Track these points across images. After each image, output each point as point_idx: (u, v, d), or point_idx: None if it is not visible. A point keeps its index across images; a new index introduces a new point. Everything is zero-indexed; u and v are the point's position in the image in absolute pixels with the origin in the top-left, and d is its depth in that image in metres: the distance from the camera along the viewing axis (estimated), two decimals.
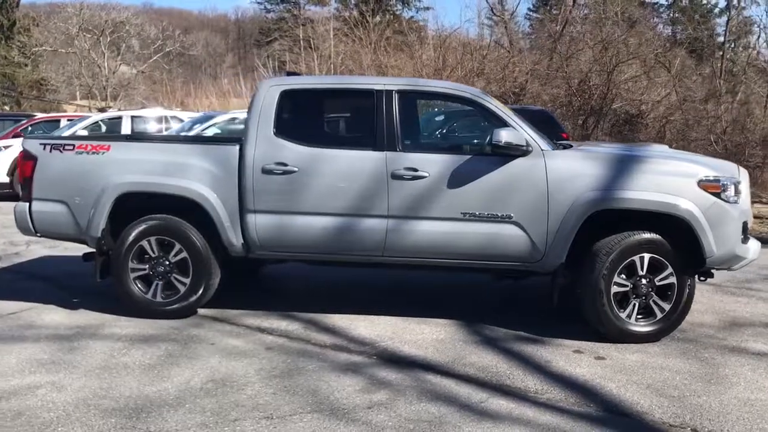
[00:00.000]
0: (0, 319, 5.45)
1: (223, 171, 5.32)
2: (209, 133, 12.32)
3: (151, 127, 14.80)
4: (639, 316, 5.04)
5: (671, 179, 4.97)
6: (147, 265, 5.47)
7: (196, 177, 5.33)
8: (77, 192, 5.46)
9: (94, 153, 5.46)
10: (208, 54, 66.59)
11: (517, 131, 5.02)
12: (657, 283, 5.01)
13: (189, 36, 58.74)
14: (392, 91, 5.28)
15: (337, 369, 4.45)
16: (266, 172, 5.25)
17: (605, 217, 5.00)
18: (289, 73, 6.13)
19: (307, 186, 5.23)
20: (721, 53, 30.69)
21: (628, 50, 21.71)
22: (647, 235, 4.96)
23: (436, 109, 8.37)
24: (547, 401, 4.00)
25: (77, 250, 7.65)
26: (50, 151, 5.52)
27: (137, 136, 7.92)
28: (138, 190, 5.40)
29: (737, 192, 5.02)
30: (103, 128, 14.30)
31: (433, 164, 5.13)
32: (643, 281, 5.00)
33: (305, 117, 5.55)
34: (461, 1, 79.22)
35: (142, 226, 5.42)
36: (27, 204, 5.58)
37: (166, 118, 15.11)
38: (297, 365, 4.51)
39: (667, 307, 5.03)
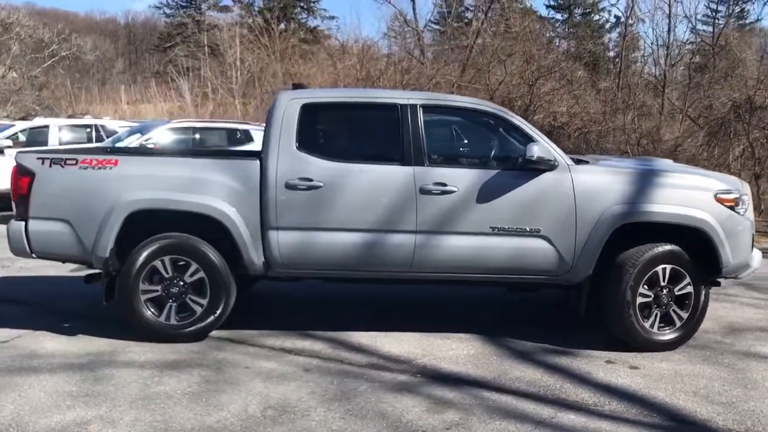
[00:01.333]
0: None
1: (243, 186, 5.12)
2: (150, 144, 11.84)
3: (81, 137, 14.06)
4: (660, 325, 5.22)
5: (691, 193, 5.18)
6: (159, 287, 5.17)
7: (216, 193, 5.09)
8: (81, 210, 5.10)
9: (100, 168, 5.12)
10: (97, 58, 63.63)
11: (546, 146, 5.10)
12: (676, 293, 5.21)
13: (75, 39, 55.92)
14: (416, 105, 5.25)
15: (391, 389, 4.35)
16: (290, 187, 5.09)
17: (627, 230, 5.15)
18: (295, 85, 5.95)
19: (334, 201, 5.11)
20: (618, 68, 32.34)
21: (548, 64, 22.54)
22: (668, 247, 5.15)
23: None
24: (611, 413, 4.07)
25: (42, 270, 7.25)
26: (50, 166, 5.14)
27: (145, 150, 7.49)
28: (153, 208, 5.11)
29: (746, 204, 5.30)
30: (22, 138, 13.43)
31: (461, 179, 5.13)
32: (664, 291, 5.18)
33: (328, 131, 5.43)
34: (369, 11, 79.91)
35: (155, 246, 5.13)
36: (22, 223, 5.16)
37: (96, 127, 14.37)
38: (347, 387, 4.38)
39: (685, 315, 5.24)
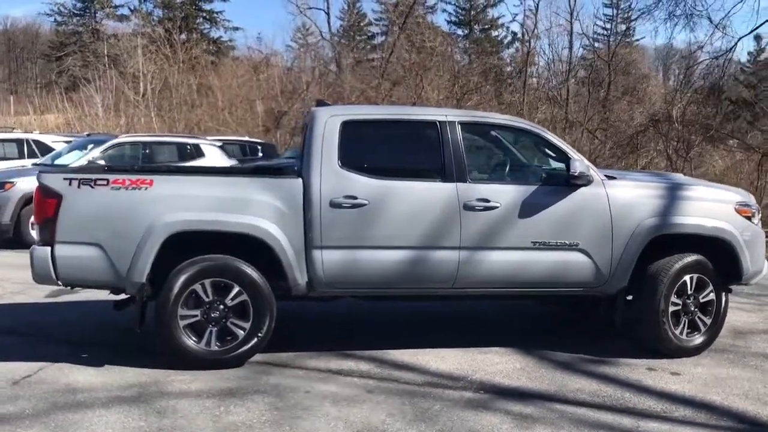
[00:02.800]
0: (19, 386, 4.63)
1: (286, 205, 4.99)
2: (100, 161, 11.28)
3: (11, 153, 13.26)
4: (688, 332, 5.46)
5: (715, 205, 5.48)
6: (199, 311, 4.95)
7: (259, 213, 4.94)
8: (114, 233, 4.83)
9: (134, 188, 4.86)
10: None
11: (583, 162, 5.26)
12: (701, 300, 5.47)
13: None
14: (455, 122, 5.29)
15: (466, 407, 4.35)
16: (335, 205, 5.01)
17: (655, 242, 5.37)
18: (319, 102, 5.86)
19: (379, 219, 5.06)
20: (522, 81, 33.57)
21: (474, 80, 23.17)
22: (695, 257, 5.41)
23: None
24: (684, 419, 4.23)
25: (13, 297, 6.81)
26: (78, 187, 4.83)
27: (180, 169, 7.09)
28: (195, 229, 4.90)
29: (759, 215, 5.65)
30: None
31: (503, 195, 5.20)
32: (691, 299, 5.43)
33: (369, 148, 5.37)
34: (275, 23, 79.04)
35: (195, 269, 4.91)
36: (48, 249, 4.83)
37: (28, 142, 13.57)
38: (421, 407, 4.34)
39: (708, 321, 5.51)
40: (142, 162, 11.84)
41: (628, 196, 5.36)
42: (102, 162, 11.08)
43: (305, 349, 5.45)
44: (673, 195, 5.45)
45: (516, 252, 5.23)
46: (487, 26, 51.28)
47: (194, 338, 4.94)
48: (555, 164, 5.44)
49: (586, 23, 41.06)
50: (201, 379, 4.78)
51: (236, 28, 49.98)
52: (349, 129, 5.18)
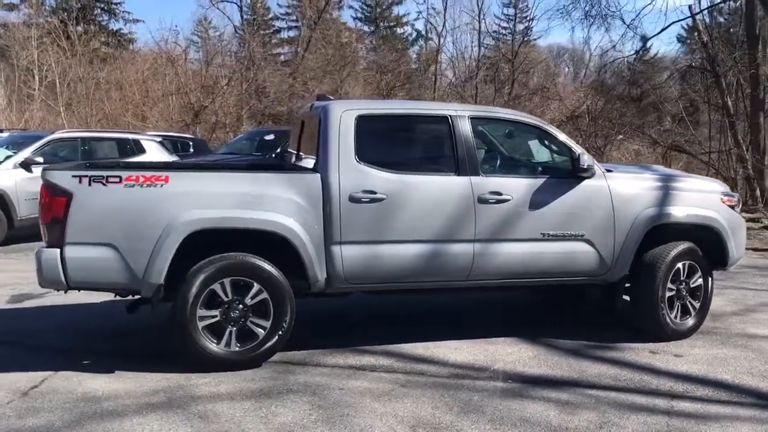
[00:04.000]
0: (31, 397, 4.34)
1: (306, 201, 4.91)
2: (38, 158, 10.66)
3: None
4: (680, 316, 5.76)
5: (705, 196, 5.81)
6: (218, 311, 4.80)
7: (280, 209, 4.84)
8: (129, 233, 4.61)
9: (149, 185, 4.65)
10: None
11: (588, 155, 5.43)
12: (691, 286, 5.78)
13: None
14: (466, 116, 5.36)
15: (506, 397, 4.42)
16: (354, 200, 4.97)
17: (651, 231, 5.63)
18: (320, 97, 5.78)
19: (397, 214, 5.07)
20: (434, 79, 34.21)
21: (399, 76, 23.36)
22: (688, 245, 5.71)
23: None
24: (707, 398, 4.48)
25: None
26: (89, 184, 4.58)
27: (195, 165, 6.70)
28: (216, 227, 4.74)
29: (740, 204, 6.02)
30: None
31: (514, 187, 5.31)
32: (683, 285, 5.73)
33: (383, 143, 5.35)
34: (176, 16, 76.51)
35: (214, 268, 4.75)
36: (57, 251, 4.55)
37: None
38: (461, 399, 4.38)
39: (697, 305, 5.83)
40: (82, 159, 11.30)
41: (628, 188, 5.59)
42: (40, 159, 10.49)
43: (316, 346, 5.38)
44: (667, 186, 5.73)
45: (527, 243, 5.36)
46: (392, 24, 51.71)
47: (214, 340, 4.79)
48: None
49: (490, 22, 42.15)
50: (225, 381, 4.64)
51: (136, 20, 48.08)
52: (364, 123, 5.15)
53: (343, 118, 5.10)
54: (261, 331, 4.87)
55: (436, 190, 5.18)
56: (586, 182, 5.45)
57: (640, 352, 5.41)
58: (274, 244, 4.88)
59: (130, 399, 4.31)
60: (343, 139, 5.05)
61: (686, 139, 22.38)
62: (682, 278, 5.71)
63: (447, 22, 32.76)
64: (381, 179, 5.05)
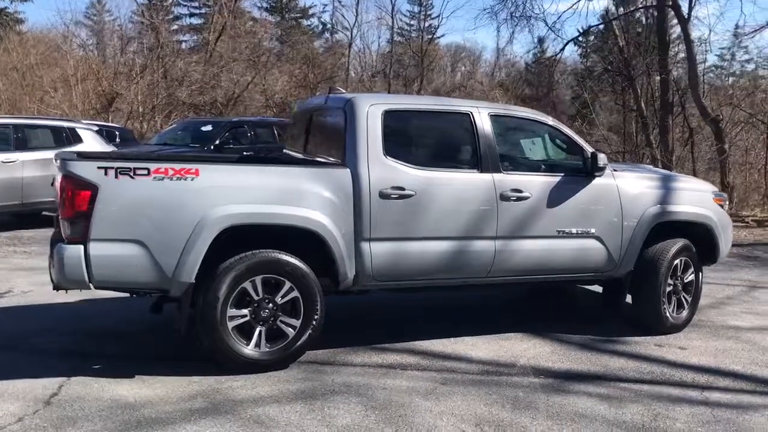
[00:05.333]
0: (56, 406, 4.01)
1: (338, 197, 4.78)
2: None
3: None
4: (676, 309, 6.00)
5: (700, 194, 6.08)
6: (247, 311, 4.61)
7: (313, 205, 4.69)
8: (158, 228, 4.34)
9: (179, 178, 4.40)
10: None
11: (603, 154, 5.57)
12: (684, 281, 6.04)
13: None
14: (486, 113, 5.37)
15: (548, 392, 4.47)
16: (384, 196, 4.89)
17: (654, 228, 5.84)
18: (331, 89, 5.62)
19: (425, 210, 5.02)
20: (346, 72, 34.29)
21: (325, 70, 23.15)
22: (684, 242, 5.96)
23: None
24: (731, 389, 4.69)
25: None
26: (116, 177, 4.27)
27: (225, 158, 6.23)
28: (250, 222, 4.54)
29: (727, 203, 6.34)
30: None
31: (533, 185, 5.38)
32: (679, 280, 5.98)
33: (408, 138, 5.27)
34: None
35: (245, 265, 4.55)
36: (80, 247, 4.22)
37: None
38: (506, 395, 4.39)
39: (689, 299, 6.10)
40: (15, 147, 10.58)
41: (634, 187, 5.77)
42: None
43: (333, 345, 5.25)
44: (667, 186, 5.96)
45: (543, 240, 5.43)
46: (299, 15, 51.21)
47: (243, 340, 4.59)
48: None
49: (400, 19, 42.56)
50: (260, 383, 4.46)
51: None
52: (390, 118, 5.06)
53: (371, 112, 5.00)
54: (291, 331, 4.71)
55: (461, 187, 5.16)
56: (596, 180, 5.58)
57: (647, 345, 5.60)
58: (303, 241, 4.73)
59: (169, 405, 4.06)
60: (372, 133, 4.95)
61: (595, 139, 23.43)
62: (678, 274, 5.95)
63: (351, 17, 32.75)
64: (409, 175, 4.98)
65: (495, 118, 5.43)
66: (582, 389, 4.56)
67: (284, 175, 4.74)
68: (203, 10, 43.85)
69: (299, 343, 4.74)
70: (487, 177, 5.22)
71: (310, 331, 4.75)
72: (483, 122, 5.31)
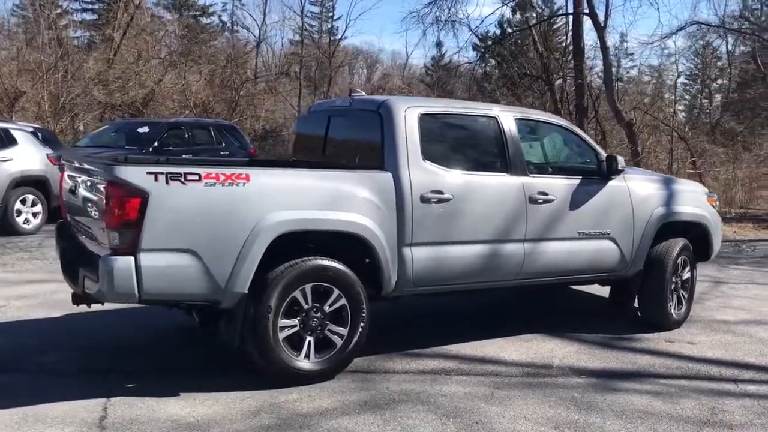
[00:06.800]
0: (114, 429, 3.74)
1: (383, 202, 4.69)
2: None
3: None
4: (677, 306, 6.25)
5: (697, 196, 6.36)
6: (297, 320, 4.44)
7: (361, 210, 4.58)
8: (212, 237, 4.12)
9: (230, 184, 4.18)
10: None
11: (621, 157, 5.72)
12: (683, 278, 6.31)
13: None
14: (510, 117, 5.42)
15: (601, 391, 4.54)
16: (425, 201, 4.84)
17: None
18: (352, 91, 5.49)
19: (462, 214, 5.01)
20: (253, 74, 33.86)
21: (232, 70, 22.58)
22: (685, 241, 6.22)
23: None
24: (759, 380, 4.93)
25: None
26: (167, 182, 4.01)
27: (271, 161, 5.75)
28: (303, 229, 4.37)
29: (717, 204, 6.68)
30: None
31: (557, 188, 5.46)
32: (678, 278, 6.24)
33: (444, 142, 5.21)
34: None
35: (295, 273, 4.38)
36: (131, 258, 3.94)
37: None
38: (563, 396, 4.43)
39: (686, 296, 6.37)
40: None
41: (643, 189, 5.97)
42: None
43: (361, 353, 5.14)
44: (669, 187, 6.21)
45: (566, 242, 5.53)
46: (198, 13, 49.96)
47: (294, 352, 4.43)
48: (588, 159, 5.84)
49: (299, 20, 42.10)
50: (314, 395, 4.31)
51: None
52: (426, 121, 5.02)
53: (408, 115, 4.93)
54: (338, 340, 4.58)
55: (494, 190, 5.18)
56: (611, 183, 5.74)
57: (658, 341, 5.80)
58: (348, 247, 4.61)
59: (237, 423, 3.86)
60: (410, 137, 4.88)
61: None
62: (678, 272, 6.21)
63: (257, 16, 32.40)
64: (447, 179, 4.95)
65: (518, 121, 5.48)
66: (628, 387, 4.67)
67: (333, 179, 4.60)
68: (96, 6, 41.95)
69: (347, 352, 4.62)
70: (516, 180, 5.26)
71: (356, 339, 4.64)
72: (509, 125, 5.35)
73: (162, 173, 4.01)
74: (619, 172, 5.65)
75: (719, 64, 38.11)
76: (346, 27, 46.61)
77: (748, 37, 26.69)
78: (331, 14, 47.10)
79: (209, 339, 5.18)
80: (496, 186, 5.19)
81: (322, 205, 4.46)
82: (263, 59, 41.40)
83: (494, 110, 5.43)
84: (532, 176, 5.36)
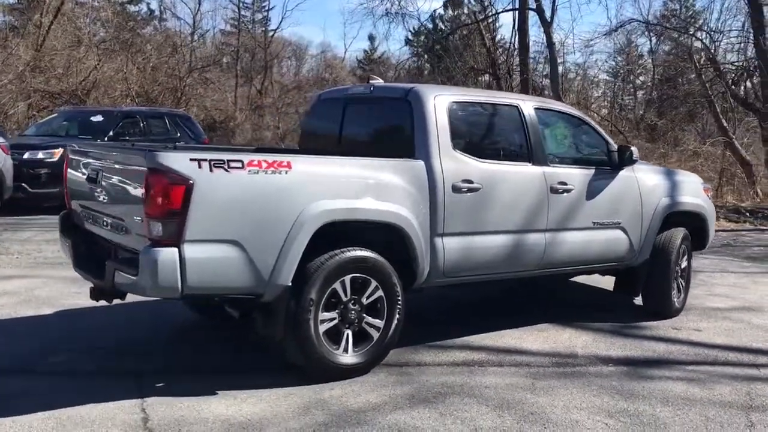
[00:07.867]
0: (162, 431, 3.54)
1: (417, 191, 4.59)
2: None
3: None
4: (677, 294, 6.38)
5: (696, 186, 6.50)
6: (335, 313, 4.30)
7: (399, 199, 4.47)
8: (256, 226, 3.94)
9: (273, 171, 4.00)
10: None
11: (635, 148, 5.78)
12: (681, 267, 6.44)
13: None
14: (531, 106, 5.40)
15: (635, 379, 4.57)
16: (456, 190, 4.77)
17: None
18: (369, 78, 5.35)
19: (490, 203, 4.96)
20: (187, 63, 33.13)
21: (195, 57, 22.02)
22: (685, 230, 6.34)
23: None
24: None
25: None
26: (210, 170, 3.81)
27: (312, 149, 5.36)
28: (345, 218, 4.23)
29: (711, 195, 6.85)
30: None
31: (575, 178, 5.48)
32: (678, 266, 6.37)
33: (471, 131, 5.14)
34: None
35: (335, 264, 4.23)
36: (174, 250, 3.72)
37: None
38: (605, 386, 4.43)
39: (684, 284, 6.52)
40: None
41: (650, 179, 6.05)
42: None
43: None
44: (671, 178, 6.32)
45: (582, 232, 5.56)
46: (125, 0, 48.45)
47: (333, 345, 4.29)
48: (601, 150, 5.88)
49: (234, 9, 41.17)
50: (357, 390, 4.19)
51: None
52: (455, 110, 4.94)
53: (437, 103, 4.84)
54: (375, 332, 4.46)
55: (520, 180, 5.15)
56: (622, 173, 5.80)
57: (666, 329, 5.90)
58: (383, 237, 4.50)
59: (292, 422, 3.70)
60: (440, 125, 4.80)
61: None
62: (678, 261, 6.34)
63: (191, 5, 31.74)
64: (476, 168, 4.89)
65: (537, 110, 5.47)
66: (660, 374, 4.72)
67: (373, 168, 4.47)
68: None
69: (383, 345, 4.51)
70: (538, 170, 5.25)
71: (392, 332, 4.53)
72: (530, 114, 5.33)
73: (205, 160, 3.79)
74: (632, 162, 5.71)
75: (640, 62, 39.38)
76: (282, 18, 46.07)
77: (672, 35, 27.52)
78: (264, 4, 46.33)
79: (219, 335, 4.98)
80: (521, 175, 5.17)
81: (362, 194, 4.33)
82: (194, 50, 40.40)
83: (516, 100, 5.40)
84: (552, 166, 5.36)
